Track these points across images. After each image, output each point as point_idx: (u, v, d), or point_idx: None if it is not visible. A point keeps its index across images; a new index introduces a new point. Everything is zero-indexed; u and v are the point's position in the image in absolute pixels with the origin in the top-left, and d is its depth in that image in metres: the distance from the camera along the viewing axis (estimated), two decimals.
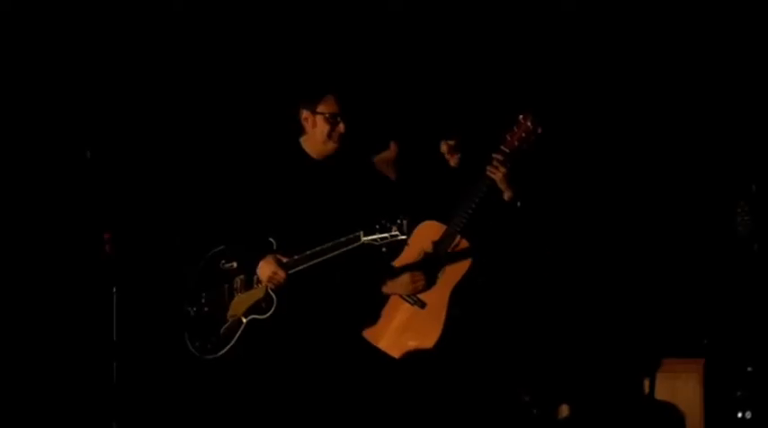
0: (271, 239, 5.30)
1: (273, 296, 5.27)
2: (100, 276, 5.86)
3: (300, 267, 5.23)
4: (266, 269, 5.26)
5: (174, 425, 6.23)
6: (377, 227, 5.07)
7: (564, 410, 6.03)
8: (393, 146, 5.61)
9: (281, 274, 5.23)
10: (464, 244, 5.30)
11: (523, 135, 5.27)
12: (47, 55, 6.38)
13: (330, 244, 5.17)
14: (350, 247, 5.14)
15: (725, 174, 6.16)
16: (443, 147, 5.52)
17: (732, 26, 6.18)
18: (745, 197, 5.86)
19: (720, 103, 6.22)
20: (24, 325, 6.35)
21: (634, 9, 6.23)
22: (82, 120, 6.36)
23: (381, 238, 5.08)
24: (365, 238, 5.10)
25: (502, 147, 5.29)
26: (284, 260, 5.25)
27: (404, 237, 5.06)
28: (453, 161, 5.52)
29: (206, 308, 5.44)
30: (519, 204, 5.34)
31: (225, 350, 5.32)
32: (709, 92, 6.23)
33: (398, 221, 5.05)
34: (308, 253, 5.21)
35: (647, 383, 6.01)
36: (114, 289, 5.76)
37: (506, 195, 5.33)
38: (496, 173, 5.28)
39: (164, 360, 6.19)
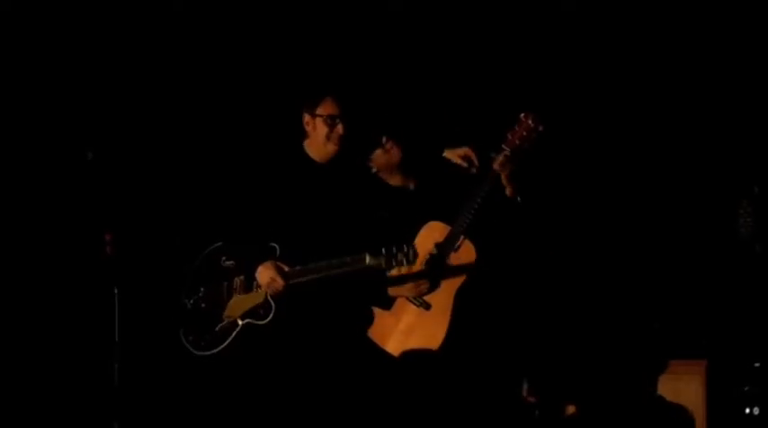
0: (274, 245, 5.30)
1: (272, 303, 5.26)
2: (101, 277, 5.85)
3: (301, 279, 5.22)
4: (265, 274, 5.26)
5: (176, 426, 6.22)
6: (383, 252, 5.07)
7: (568, 409, 6.02)
8: (396, 150, 5.56)
9: (280, 282, 5.22)
10: (468, 244, 5.29)
11: (525, 133, 5.25)
12: (48, 56, 6.38)
13: (334, 261, 5.16)
14: (353, 269, 5.13)
15: (727, 175, 6.15)
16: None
17: (732, 26, 6.18)
18: (747, 198, 5.85)
19: (722, 104, 6.22)
20: (26, 326, 6.35)
21: (634, 9, 6.22)
22: (83, 121, 6.36)
23: (386, 264, 5.08)
24: (370, 262, 5.10)
25: (503, 146, 5.28)
26: (285, 269, 5.24)
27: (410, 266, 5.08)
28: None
29: (203, 304, 5.46)
30: (519, 199, 5.33)
31: (218, 349, 5.33)
32: (711, 92, 6.22)
33: (405, 249, 5.05)
34: (310, 266, 5.21)
35: (649, 384, 6.01)
36: (115, 290, 5.76)
37: (507, 192, 5.31)
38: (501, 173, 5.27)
39: (165, 360, 6.18)
